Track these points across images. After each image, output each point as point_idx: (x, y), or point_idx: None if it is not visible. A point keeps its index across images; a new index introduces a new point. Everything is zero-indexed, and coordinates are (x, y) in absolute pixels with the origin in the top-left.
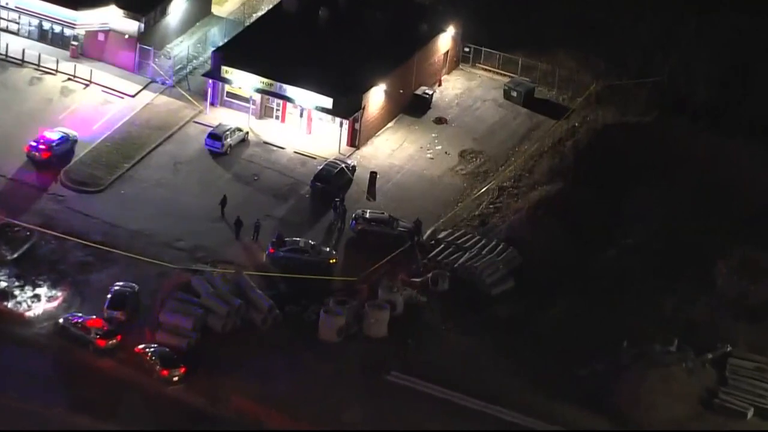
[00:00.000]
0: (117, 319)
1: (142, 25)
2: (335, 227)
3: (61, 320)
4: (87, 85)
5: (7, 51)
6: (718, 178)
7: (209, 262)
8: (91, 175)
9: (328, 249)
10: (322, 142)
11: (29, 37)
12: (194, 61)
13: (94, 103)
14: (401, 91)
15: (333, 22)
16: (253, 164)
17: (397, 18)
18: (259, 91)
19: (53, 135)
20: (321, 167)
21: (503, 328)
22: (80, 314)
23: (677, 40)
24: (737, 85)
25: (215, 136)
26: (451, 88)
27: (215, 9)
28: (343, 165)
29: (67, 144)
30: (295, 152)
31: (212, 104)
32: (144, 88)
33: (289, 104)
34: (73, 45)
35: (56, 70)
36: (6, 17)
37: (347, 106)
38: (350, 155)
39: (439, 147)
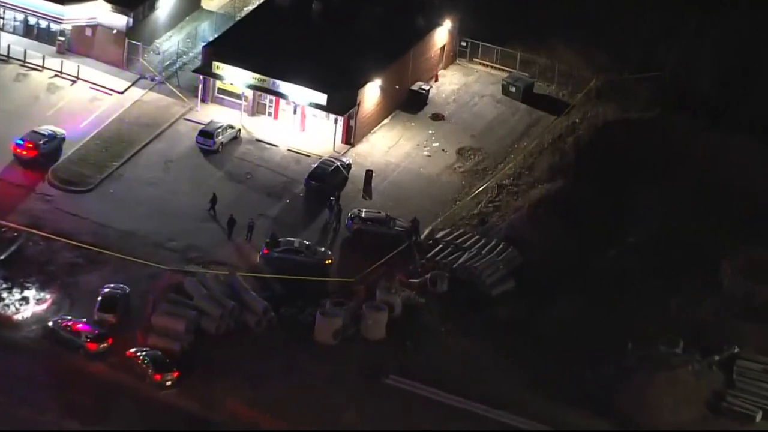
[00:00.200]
0: (108, 321)
1: (131, 20)
2: (331, 227)
3: (50, 323)
4: (74, 82)
5: None
6: (720, 177)
7: (202, 263)
8: (79, 174)
9: (323, 249)
10: (316, 140)
11: (14, 32)
12: (184, 56)
13: (82, 100)
14: (397, 86)
15: (327, 16)
16: (245, 162)
17: (393, 12)
18: (251, 87)
19: (41, 133)
20: (316, 165)
21: (504, 330)
22: (70, 317)
23: (679, 35)
24: (740, 82)
25: (206, 133)
26: (448, 84)
27: (205, 3)
28: (339, 163)
29: (55, 142)
30: (289, 150)
31: (203, 101)
32: (133, 84)
33: (282, 101)
34: (59, 40)
35: (43, 67)
36: None
37: (342, 103)
38: (345, 153)
39: (437, 144)
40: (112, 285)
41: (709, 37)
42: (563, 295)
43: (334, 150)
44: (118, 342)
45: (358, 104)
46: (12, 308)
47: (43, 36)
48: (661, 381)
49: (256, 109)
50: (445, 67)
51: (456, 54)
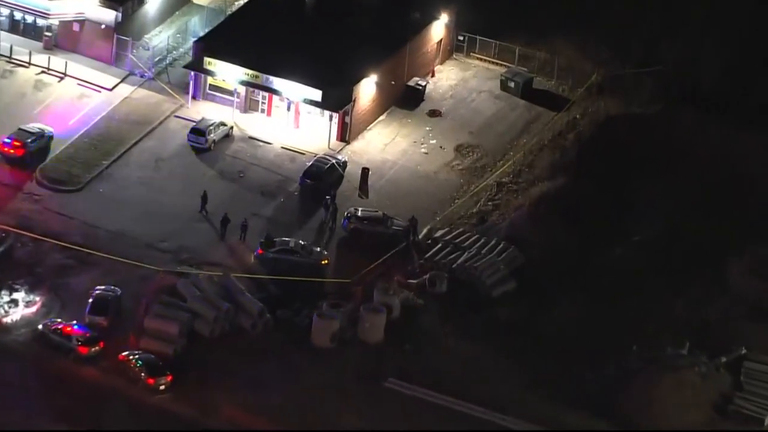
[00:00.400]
0: (99, 324)
1: (120, 15)
2: (326, 226)
3: (40, 326)
4: (62, 78)
5: None
6: (725, 173)
7: (195, 264)
8: (68, 173)
9: (319, 249)
10: (311, 137)
11: (0, 27)
12: (174, 52)
13: (70, 98)
14: (393, 82)
15: (321, 10)
16: (238, 160)
17: (388, 6)
18: (243, 83)
19: (28, 131)
20: (310, 163)
21: (504, 331)
22: (60, 320)
23: (683, 28)
24: (745, 76)
25: (198, 131)
26: (445, 79)
27: None
28: (334, 161)
29: (43, 140)
30: (283, 147)
31: (194, 98)
32: (122, 81)
33: (275, 97)
34: (46, 36)
35: (29, 63)
36: None
37: (337, 99)
38: (341, 150)
39: (434, 141)
40: (103, 287)
41: (714, 30)
42: (566, 295)
43: (329, 147)
44: (110, 345)
45: (354, 100)
46: (1, 311)
47: (30, 31)
48: (666, 383)
49: (249, 106)
50: (442, 62)
51: (453, 48)
